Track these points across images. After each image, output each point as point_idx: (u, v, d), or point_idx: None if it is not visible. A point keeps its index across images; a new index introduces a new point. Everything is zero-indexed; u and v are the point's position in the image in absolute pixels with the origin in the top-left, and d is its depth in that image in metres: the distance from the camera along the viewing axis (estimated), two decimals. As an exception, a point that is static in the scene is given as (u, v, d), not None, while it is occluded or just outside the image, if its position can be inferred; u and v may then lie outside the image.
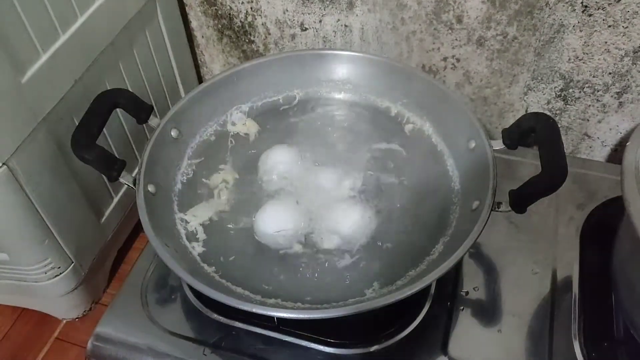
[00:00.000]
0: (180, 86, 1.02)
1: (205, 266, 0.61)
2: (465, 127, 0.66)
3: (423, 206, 0.66)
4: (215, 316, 0.64)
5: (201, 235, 0.64)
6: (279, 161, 0.69)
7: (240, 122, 0.75)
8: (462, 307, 0.64)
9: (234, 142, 0.73)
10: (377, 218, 0.64)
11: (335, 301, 0.56)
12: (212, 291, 0.53)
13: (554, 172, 0.55)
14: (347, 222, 0.62)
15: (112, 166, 0.60)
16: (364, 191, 0.67)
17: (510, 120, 0.89)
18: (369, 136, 0.74)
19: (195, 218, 0.65)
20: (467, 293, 0.65)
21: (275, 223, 0.62)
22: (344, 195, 0.67)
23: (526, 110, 0.88)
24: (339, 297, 0.57)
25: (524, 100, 0.86)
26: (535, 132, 0.59)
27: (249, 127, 0.74)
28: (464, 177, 0.66)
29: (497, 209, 0.58)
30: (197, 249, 0.62)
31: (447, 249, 0.60)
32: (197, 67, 1.07)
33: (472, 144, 0.65)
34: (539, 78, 0.82)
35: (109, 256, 0.98)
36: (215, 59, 1.04)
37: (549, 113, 0.84)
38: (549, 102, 0.85)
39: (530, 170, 0.77)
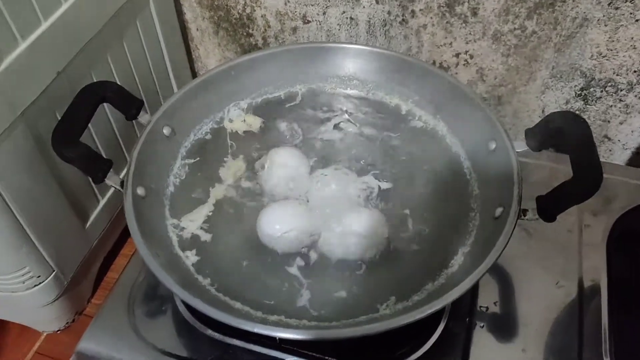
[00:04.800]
0: (173, 82, 0.98)
1: (200, 278, 0.56)
2: (484, 127, 0.62)
3: (439, 213, 0.61)
4: (209, 332, 0.60)
5: (195, 243, 0.59)
6: (282, 164, 0.64)
7: (239, 119, 0.70)
8: (482, 324, 0.60)
9: (231, 141, 0.68)
10: (389, 226, 0.59)
11: (344, 318, 0.52)
12: (208, 307, 0.48)
13: (588, 177, 0.51)
14: (357, 229, 0.57)
15: (97, 166, 0.56)
16: (374, 196, 0.63)
17: (525, 120, 0.85)
18: (377, 137, 0.69)
19: (189, 224, 0.60)
20: (487, 308, 0.61)
21: (281, 223, 0.57)
22: (352, 200, 0.62)
23: (542, 111, 0.83)
24: (349, 312, 0.52)
25: (541, 100, 0.82)
26: (564, 134, 0.55)
27: (250, 123, 0.70)
28: (484, 181, 0.62)
29: (523, 217, 0.53)
30: (191, 258, 0.57)
31: (467, 261, 0.55)
32: (191, 62, 1.03)
33: (492, 145, 0.61)
34: (558, 76, 0.78)
35: (94, 264, 0.93)
36: (211, 54, 0.99)
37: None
38: (567, 102, 0.81)
39: (547, 174, 0.73)
